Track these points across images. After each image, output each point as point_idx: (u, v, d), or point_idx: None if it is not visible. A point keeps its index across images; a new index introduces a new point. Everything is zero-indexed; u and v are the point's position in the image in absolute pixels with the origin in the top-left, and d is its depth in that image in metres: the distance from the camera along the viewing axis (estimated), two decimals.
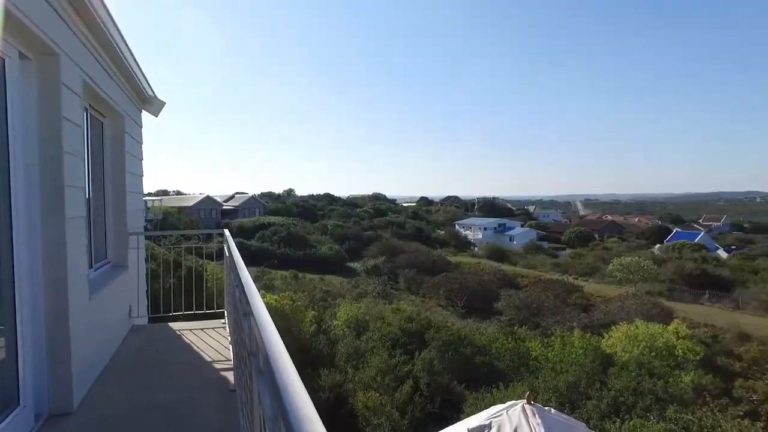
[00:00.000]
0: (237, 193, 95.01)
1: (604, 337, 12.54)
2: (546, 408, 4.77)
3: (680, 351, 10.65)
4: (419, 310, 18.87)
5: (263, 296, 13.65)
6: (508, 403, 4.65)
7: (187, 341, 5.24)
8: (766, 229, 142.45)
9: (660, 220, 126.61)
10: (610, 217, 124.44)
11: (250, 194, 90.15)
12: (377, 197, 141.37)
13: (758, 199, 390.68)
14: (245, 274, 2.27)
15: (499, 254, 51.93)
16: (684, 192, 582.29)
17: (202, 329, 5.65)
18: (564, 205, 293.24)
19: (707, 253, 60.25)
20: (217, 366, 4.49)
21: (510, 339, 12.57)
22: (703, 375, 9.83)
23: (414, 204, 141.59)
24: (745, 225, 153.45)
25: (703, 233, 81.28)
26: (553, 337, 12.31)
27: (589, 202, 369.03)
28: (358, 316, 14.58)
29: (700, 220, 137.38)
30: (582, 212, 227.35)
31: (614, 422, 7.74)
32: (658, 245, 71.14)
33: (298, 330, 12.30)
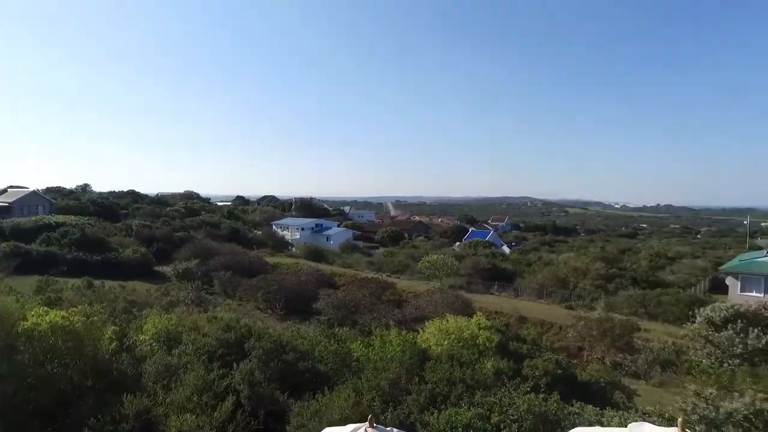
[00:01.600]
0: (10, 186, 78.91)
1: (419, 333, 13.45)
2: (388, 429, 4.79)
3: (482, 340, 12.03)
4: (237, 316, 17.88)
5: (45, 313, 11.38)
6: (350, 427, 4.52)
7: None
8: (535, 228, 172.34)
9: (459, 221, 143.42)
10: (417, 218, 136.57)
11: (31, 189, 75.65)
12: (189, 196, 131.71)
13: (529, 203, 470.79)
14: None
15: (316, 254, 52.60)
16: (478, 195, 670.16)
17: None
18: (377, 206, 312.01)
19: (495, 249, 70.12)
20: None
21: (332, 341, 12.65)
22: (500, 360, 11.19)
23: (229, 203, 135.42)
24: (521, 225, 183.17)
25: (492, 232, 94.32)
26: (373, 336, 12.74)
27: (399, 204, 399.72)
28: (169, 328, 13.14)
29: (489, 221, 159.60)
30: (393, 213, 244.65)
31: (432, 414, 8.26)
32: (458, 243, 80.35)
33: (93, 350, 10.51)
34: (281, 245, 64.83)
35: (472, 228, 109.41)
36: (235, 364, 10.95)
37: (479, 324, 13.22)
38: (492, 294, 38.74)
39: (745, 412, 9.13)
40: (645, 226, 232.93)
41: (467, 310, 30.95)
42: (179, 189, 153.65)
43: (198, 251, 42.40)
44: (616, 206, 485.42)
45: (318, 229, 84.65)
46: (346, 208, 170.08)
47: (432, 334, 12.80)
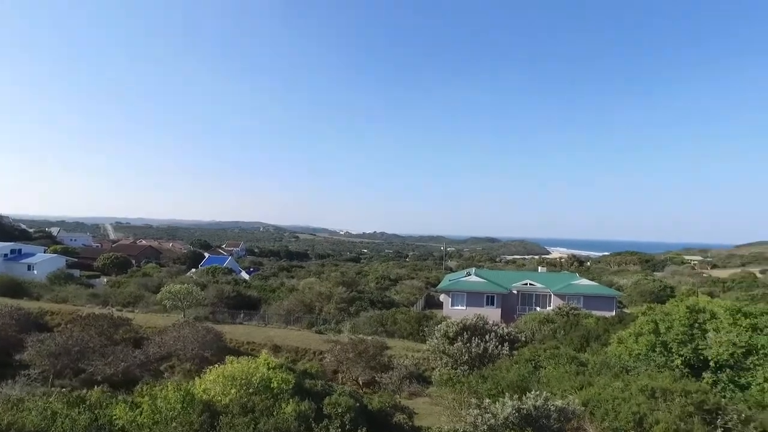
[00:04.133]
0: None
1: (196, 381, 11.32)
2: None
3: (276, 383, 10.81)
4: None
5: None
6: None
7: None
8: (269, 253, 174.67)
9: (192, 246, 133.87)
10: (145, 242, 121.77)
11: None
12: None
13: (261, 229, 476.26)
14: None
15: (14, 288, 41.13)
16: (211, 220, 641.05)
17: None
18: (92, 228, 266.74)
19: (236, 275, 67.57)
20: None
21: (81, 408, 9.54)
22: (299, 402, 10.22)
23: None
24: (256, 250, 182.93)
25: (229, 258, 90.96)
26: (139, 394, 10.16)
27: (121, 226, 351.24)
28: None
29: (224, 246, 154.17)
30: (113, 236, 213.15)
31: None
32: (194, 269, 74.48)
33: None
34: None
35: (208, 254, 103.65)
36: None
37: (268, 364, 11.93)
38: (241, 323, 36.77)
39: (516, 414, 10.49)
40: (366, 251, 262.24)
41: (219, 343, 28.57)
42: None
43: None
44: (341, 233, 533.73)
45: (15, 256, 66.89)
46: (54, 230, 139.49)
47: (215, 382, 10.92)
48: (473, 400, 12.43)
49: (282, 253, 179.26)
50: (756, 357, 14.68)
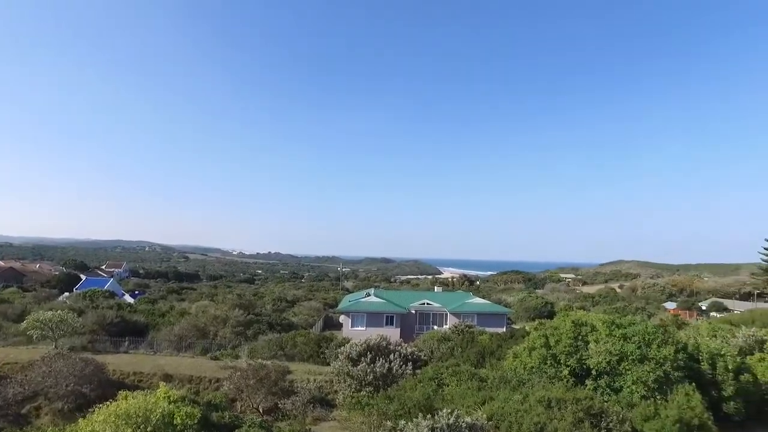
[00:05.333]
0: None
1: (80, 424, 10.09)
2: None
3: (179, 419, 9.99)
4: None
5: None
6: None
7: None
8: (156, 274, 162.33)
9: (65, 267, 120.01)
10: (3, 263, 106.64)
11: None
12: None
13: (147, 248, 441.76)
14: None
15: None
16: (87, 238, 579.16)
17: None
18: None
19: (119, 299, 61.67)
20: None
21: None
22: None
23: None
24: (141, 271, 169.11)
25: (111, 280, 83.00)
26: None
27: None
28: None
29: (104, 267, 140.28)
30: None
31: None
32: (67, 294, 66.75)
33: None
34: None
35: (85, 275, 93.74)
36: None
37: (169, 397, 11.00)
38: (126, 352, 33.55)
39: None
40: (260, 271, 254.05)
41: (100, 375, 25.72)
42: None
43: None
44: (234, 253, 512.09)
45: None
46: None
47: (105, 423, 9.83)
48: (388, 423, 12.50)
49: (170, 274, 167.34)
50: (627, 362, 16.48)
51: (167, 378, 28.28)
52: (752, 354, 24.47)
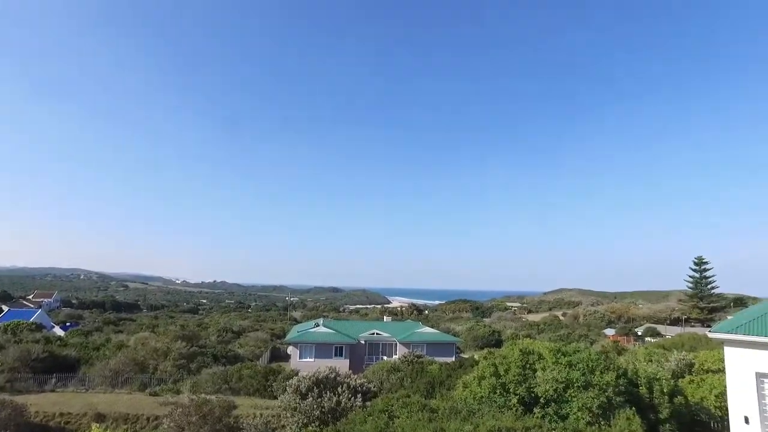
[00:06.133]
0: None
1: None
2: None
3: None
4: None
5: None
6: None
7: None
8: (91, 304, 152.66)
9: None
10: None
11: None
12: None
13: (82, 276, 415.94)
14: None
15: None
16: (12, 266, 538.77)
17: None
18: None
19: (47, 332, 57.43)
20: None
21: None
22: None
23: None
24: (74, 301, 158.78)
25: (38, 311, 77.27)
26: None
27: None
28: None
29: (31, 297, 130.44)
30: None
31: None
32: None
33: None
34: None
35: (8, 306, 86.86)
36: None
37: None
38: (53, 391, 31.13)
39: None
40: (205, 301, 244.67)
41: (18, 419, 23.56)
42: None
43: None
44: (177, 281, 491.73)
45: None
46: None
47: None
48: None
49: (108, 304, 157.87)
50: (572, 390, 16.95)
51: (99, 418, 26.41)
52: (683, 377, 25.90)
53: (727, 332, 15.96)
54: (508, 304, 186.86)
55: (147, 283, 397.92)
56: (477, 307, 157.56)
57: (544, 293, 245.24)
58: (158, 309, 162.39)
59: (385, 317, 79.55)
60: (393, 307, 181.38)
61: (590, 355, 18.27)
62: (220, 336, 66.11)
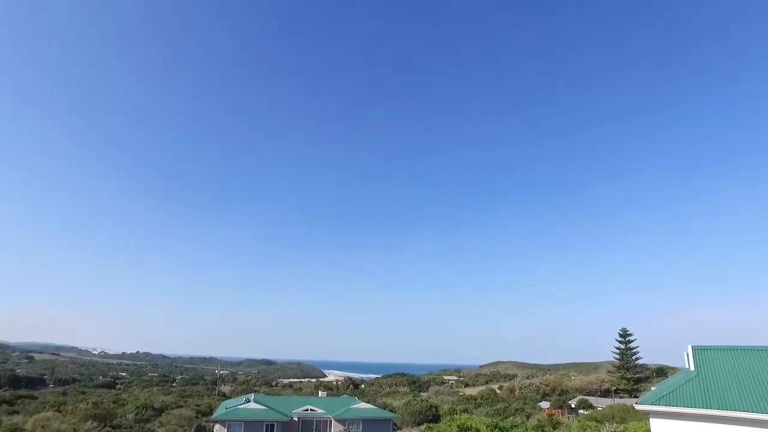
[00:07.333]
0: None
1: None
2: None
3: None
4: None
5: None
6: None
7: None
8: None
9: None
10: None
11: None
12: None
13: None
14: None
15: None
16: None
17: None
18: None
19: None
20: None
21: None
22: None
23: None
24: None
25: None
26: None
27: None
28: None
29: None
30: None
31: None
32: None
33: None
34: None
35: None
36: None
37: None
38: None
39: None
40: (124, 374, 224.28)
41: None
42: None
43: None
44: (95, 352, 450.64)
45: None
46: None
47: None
48: None
49: (4, 379, 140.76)
50: None
51: None
52: None
53: (651, 404, 16.75)
54: (446, 377, 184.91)
55: (58, 354, 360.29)
56: (414, 381, 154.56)
57: (481, 366, 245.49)
58: (68, 383, 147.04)
59: (320, 392, 76.31)
60: (328, 381, 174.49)
61: (527, 430, 18.43)
62: (139, 414, 60.44)
